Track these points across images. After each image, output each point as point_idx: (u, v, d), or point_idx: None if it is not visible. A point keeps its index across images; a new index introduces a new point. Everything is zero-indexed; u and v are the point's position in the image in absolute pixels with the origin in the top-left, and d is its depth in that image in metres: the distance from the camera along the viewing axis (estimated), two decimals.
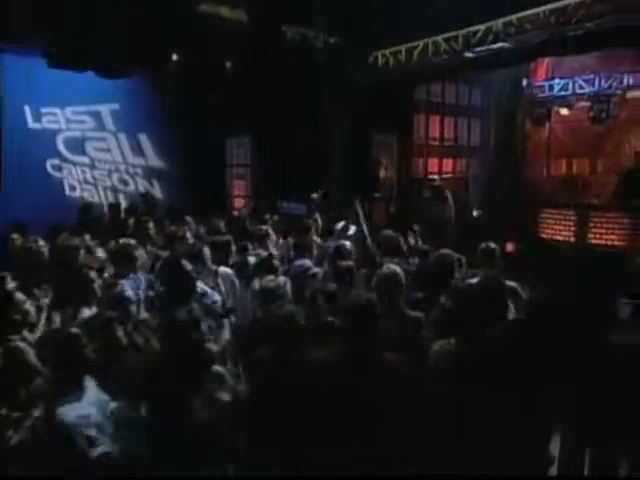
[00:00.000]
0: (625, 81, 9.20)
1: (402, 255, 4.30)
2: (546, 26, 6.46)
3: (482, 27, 6.51)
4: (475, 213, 9.36)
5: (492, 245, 4.28)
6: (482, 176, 10.91)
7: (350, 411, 2.13)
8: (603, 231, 7.88)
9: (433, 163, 10.77)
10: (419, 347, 2.62)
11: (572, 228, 8.21)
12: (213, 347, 2.57)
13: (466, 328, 2.52)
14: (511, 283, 3.94)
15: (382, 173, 10.41)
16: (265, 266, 3.61)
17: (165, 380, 2.01)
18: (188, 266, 2.97)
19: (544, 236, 8.67)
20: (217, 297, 3.25)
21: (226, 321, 3.10)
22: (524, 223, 8.66)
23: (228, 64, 7.88)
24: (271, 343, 2.25)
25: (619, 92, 9.40)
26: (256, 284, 2.98)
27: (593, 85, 9.58)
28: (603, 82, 9.48)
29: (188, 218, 6.23)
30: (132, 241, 4.19)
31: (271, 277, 2.97)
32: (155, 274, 3.32)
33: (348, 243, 4.22)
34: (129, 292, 3.07)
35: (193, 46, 7.07)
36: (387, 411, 2.21)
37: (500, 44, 6.42)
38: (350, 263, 3.54)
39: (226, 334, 3.01)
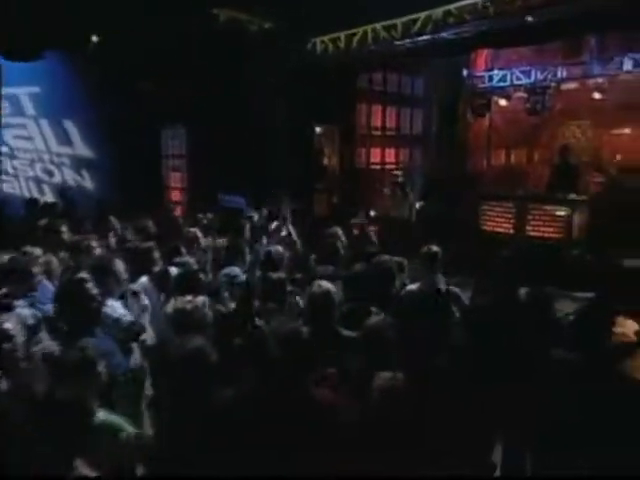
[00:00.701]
0: (559, 73, 9.34)
1: (338, 258, 4.06)
2: (485, 17, 6.37)
3: (421, 15, 6.32)
4: (417, 205, 9.30)
5: (434, 248, 4.13)
6: (425, 166, 10.88)
7: (269, 455, 1.87)
8: (540, 223, 8.01)
9: (375, 153, 10.62)
10: (356, 376, 2.39)
11: (512, 220, 8.30)
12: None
13: (411, 354, 2.34)
14: (454, 289, 3.82)
15: (324, 163, 10.18)
16: (188, 280, 3.24)
17: (41, 438, 1.66)
18: (93, 289, 2.57)
19: (485, 228, 8.74)
20: (128, 318, 2.87)
21: (135, 346, 2.74)
22: (466, 216, 8.67)
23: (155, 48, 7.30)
24: (174, 381, 1.94)
25: (553, 84, 9.55)
26: (170, 305, 2.63)
27: (529, 77, 9.67)
28: (539, 74, 9.59)
29: (112, 218, 5.70)
30: (37, 250, 3.71)
31: (189, 297, 2.63)
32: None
33: (279, 248, 3.94)
34: (22, 316, 2.63)
35: (113, 27, 6.47)
36: (315, 453, 1.96)
37: (440, 33, 6.26)
38: (281, 275, 3.26)
39: (134, 360, 2.65)
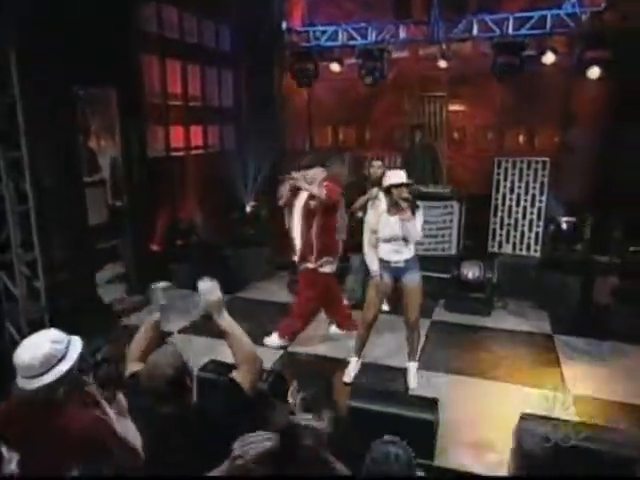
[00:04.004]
0: (401, 33, 7.64)
1: None
2: None
3: None
4: (248, 208, 6.64)
5: None
6: (240, 150, 8.13)
7: None
8: None
9: (177, 132, 7.30)
10: None
11: None
12: None
13: None
14: None
15: (96, 146, 6.61)
16: None
17: None
18: None
19: None
20: None
21: None
22: None
23: None
24: None
25: (391, 47, 7.86)
26: None
27: (365, 37, 7.78)
28: (375, 34, 7.78)
29: None
30: None
31: None
32: None
33: None
34: None
35: None
36: None
37: None
38: None
39: None
